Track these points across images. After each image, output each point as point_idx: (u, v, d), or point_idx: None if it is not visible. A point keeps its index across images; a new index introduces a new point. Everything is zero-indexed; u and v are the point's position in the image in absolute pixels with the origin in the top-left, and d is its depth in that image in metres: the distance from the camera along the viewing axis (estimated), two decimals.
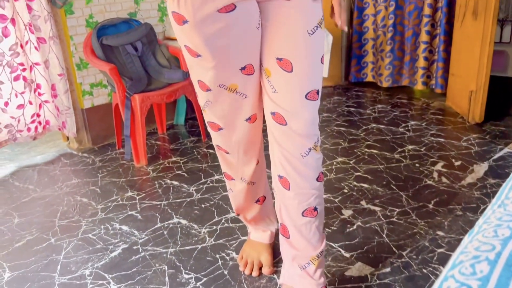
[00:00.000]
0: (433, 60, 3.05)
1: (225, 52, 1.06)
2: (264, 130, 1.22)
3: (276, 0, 1.05)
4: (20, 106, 2.25)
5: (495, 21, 2.29)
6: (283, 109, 1.10)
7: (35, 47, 2.22)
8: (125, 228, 1.75)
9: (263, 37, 1.09)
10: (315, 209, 1.19)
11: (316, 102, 1.11)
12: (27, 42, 2.20)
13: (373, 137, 2.45)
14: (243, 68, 1.10)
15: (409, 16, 3.05)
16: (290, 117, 1.10)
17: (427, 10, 2.92)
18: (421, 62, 3.05)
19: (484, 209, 1.72)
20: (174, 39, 2.61)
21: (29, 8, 2.16)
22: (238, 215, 1.50)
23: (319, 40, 1.08)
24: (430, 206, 1.76)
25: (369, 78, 3.37)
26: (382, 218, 1.70)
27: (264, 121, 1.21)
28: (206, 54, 1.06)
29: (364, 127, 2.59)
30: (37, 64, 2.25)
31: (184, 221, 1.77)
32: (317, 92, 1.11)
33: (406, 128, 2.54)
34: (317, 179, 1.17)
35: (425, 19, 2.95)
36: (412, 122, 2.61)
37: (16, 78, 2.20)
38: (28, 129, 2.32)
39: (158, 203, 1.92)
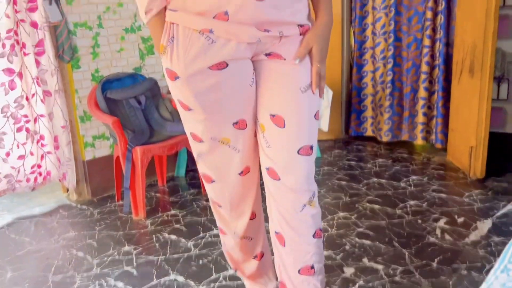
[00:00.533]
0: (432, 116, 3.08)
1: (216, 107, 1.08)
2: (263, 184, 1.21)
3: (270, 59, 1.08)
4: (21, 157, 2.26)
5: (491, 79, 2.34)
6: (276, 164, 1.11)
7: (41, 100, 2.27)
8: (120, 284, 1.70)
9: (257, 93, 1.12)
10: (312, 267, 1.15)
11: (309, 157, 1.11)
12: (33, 95, 2.25)
13: (374, 191, 2.43)
14: (235, 123, 1.11)
15: (407, 73, 3.12)
16: (283, 172, 1.10)
17: (424, 67, 3.00)
18: (420, 118, 3.08)
19: (490, 268, 1.67)
20: None
21: (37, 63, 2.23)
22: (235, 270, 1.46)
23: (312, 97, 1.10)
24: (434, 264, 1.71)
25: (369, 133, 3.39)
26: (385, 277, 1.65)
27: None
28: (196, 108, 1.08)
29: (365, 181, 2.57)
30: (42, 116, 2.29)
31: (180, 278, 1.72)
32: (311, 148, 1.11)
33: (408, 183, 2.52)
34: (314, 236, 1.15)
35: (423, 76, 3.02)
36: (414, 177, 2.60)
37: (19, 130, 2.23)
38: (27, 180, 2.31)
39: (155, 258, 1.87)
